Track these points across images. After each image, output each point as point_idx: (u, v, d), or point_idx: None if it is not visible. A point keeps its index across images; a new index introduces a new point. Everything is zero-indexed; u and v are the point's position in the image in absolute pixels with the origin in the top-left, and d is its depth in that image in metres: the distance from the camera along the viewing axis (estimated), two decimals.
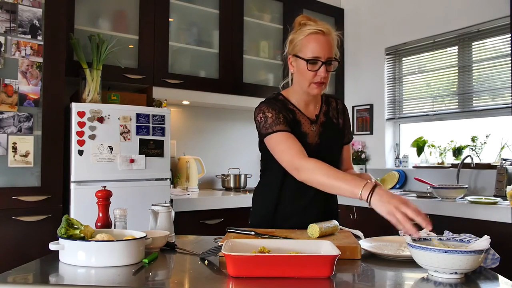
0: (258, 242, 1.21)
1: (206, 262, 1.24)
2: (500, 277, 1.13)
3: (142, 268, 1.19)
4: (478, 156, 3.21)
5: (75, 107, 2.42)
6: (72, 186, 2.39)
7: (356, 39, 4.09)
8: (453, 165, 3.28)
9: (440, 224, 2.63)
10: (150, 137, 2.64)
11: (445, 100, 3.46)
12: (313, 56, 1.55)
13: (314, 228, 1.40)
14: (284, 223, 1.66)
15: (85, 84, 2.57)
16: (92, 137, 2.45)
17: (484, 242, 1.08)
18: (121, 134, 2.54)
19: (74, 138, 2.40)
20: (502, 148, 3.09)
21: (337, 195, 1.71)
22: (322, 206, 1.69)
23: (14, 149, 2.22)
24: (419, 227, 1.20)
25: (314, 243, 1.22)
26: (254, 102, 2.01)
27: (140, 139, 2.60)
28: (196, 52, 3.29)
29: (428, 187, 2.98)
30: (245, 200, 3.02)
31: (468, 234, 1.21)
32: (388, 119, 3.85)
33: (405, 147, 3.80)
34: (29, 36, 2.28)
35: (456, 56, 3.38)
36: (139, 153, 2.60)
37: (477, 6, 3.18)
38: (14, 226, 2.20)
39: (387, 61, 3.87)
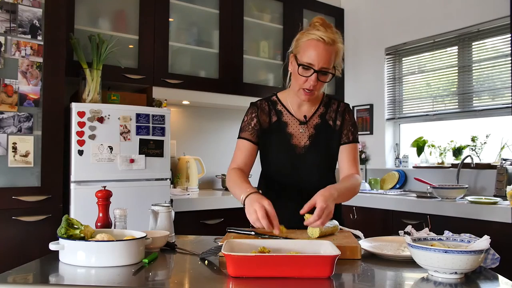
0: (258, 242, 1.21)
1: (206, 262, 1.24)
2: (500, 277, 1.13)
3: (142, 268, 1.19)
4: (478, 156, 3.21)
5: (75, 107, 2.42)
6: (72, 186, 2.39)
7: (356, 39, 4.09)
8: (453, 165, 3.28)
9: (440, 224, 2.64)
10: (150, 137, 2.64)
11: (445, 100, 3.46)
12: (307, 62, 1.54)
13: (314, 228, 1.40)
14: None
15: (85, 84, 2.57)
16: (92, 137, 2.45)
17: (484, 242, 1.08)
18: (121, 134, 2.54)
19: (74, 138, 2.40)
20: (502, 148, 3.08)
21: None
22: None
23: (14, 149, 2.22)
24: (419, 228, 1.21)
25: (314, 243, 1.22)
26: None
27: (140, 139, 2.60)
28: (196, 52, 3.29)
29: (428, 187, 2.98)
30: None
31: (468, 234, 1.21)
32: (388, 119, 3.85)
33: (405, 147, 3.80)
34: (29, 36, 2.28)
35: (456, 56, 3.38)
36: (139, 153, 2.60)
37: (477, 6, 3.18)
38: (14, 226, 2.20)
39: (387, 61, 3.87)
